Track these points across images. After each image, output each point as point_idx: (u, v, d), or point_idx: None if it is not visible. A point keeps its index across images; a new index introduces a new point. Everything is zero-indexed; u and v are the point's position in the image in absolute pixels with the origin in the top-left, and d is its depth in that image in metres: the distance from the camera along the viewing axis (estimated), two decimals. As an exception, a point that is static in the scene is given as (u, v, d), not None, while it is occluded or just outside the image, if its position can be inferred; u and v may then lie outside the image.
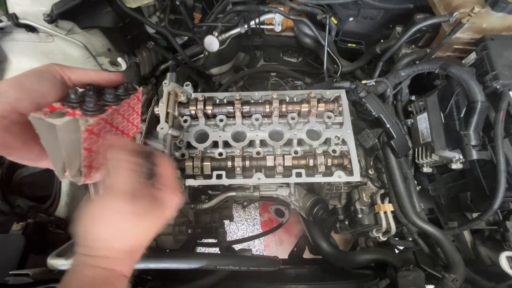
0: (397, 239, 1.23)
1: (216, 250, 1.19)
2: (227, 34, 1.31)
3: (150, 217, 0.48)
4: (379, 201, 1.12)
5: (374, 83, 1.08)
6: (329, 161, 0.91)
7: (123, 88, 0.56)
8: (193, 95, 1.00)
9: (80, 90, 0.51)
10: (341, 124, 0.99)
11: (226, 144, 0.98)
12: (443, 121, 0.99)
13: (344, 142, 0.96)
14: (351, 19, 1.33)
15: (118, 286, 0.46)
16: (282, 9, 1.28)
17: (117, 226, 0.46)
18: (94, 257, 0.45)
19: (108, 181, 0.47)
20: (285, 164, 0.91)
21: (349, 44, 1.45)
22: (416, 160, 1.12)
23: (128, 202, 0.45)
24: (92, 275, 0.44)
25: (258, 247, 2.38)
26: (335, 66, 1.34)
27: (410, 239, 1.17)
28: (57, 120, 0.43)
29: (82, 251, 0.46)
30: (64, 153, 0.46)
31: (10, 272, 0.80)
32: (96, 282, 0.44)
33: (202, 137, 0.98)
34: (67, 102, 0.48)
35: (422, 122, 1.07)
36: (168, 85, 0.96)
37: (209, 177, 0.91)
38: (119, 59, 1.29)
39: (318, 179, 0.93)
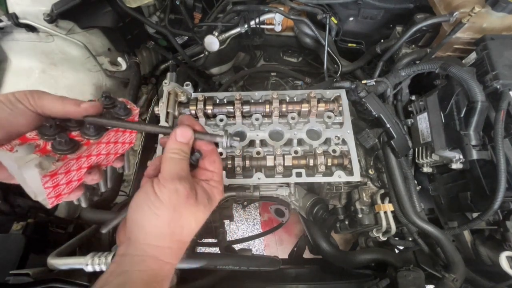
0: (397, 239, 1.23)
1: (216, 250, 1.18)
2: (227, 34, 1.31)
3: (204, 209, 0.49)
4: (379, 201, 1.12)
5: (374, 83, 1.08)
6: (329, 161, 0.91)
7: (109, 116, 0.51)
8: (193, 95, 1.00)
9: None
10: (341, 124, 0.99)
11: (226, 144, 0.98)
12: (443, 121, 0.98)
13: (344, 142, 0.96)
14: (351, 19, 1.33)
15: (167, 276, 0.47)
16: (282, 9, 1.28)
17: (173, 215, 0.46)
18: (151, 246, 0.46)
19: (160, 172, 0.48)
20: (285, 164, 0.91)
21: (349, 44, 1.45)
22: (416, 160, 1.12)
23: (177, 181, 0.47)
24: (147, 268, 0.45)
25: (258, 247, 2.38)
26: (335, 66, 1.33)
27: (410, 239, 1.17)
28: (18, 160, 0.42)
29: (136, 245, 0.46)
30: (30, 185, 0.45)
31: (10, 272, 0.80)
32: (150, 273, 0.45)
33: (202, 137, 0.98)
34: (42, 134, 0.46)
35: (422, 122, 1.07)
36: (168, 85, 0.96)
37: (209, 177, 0.91)
38: (119, 59, 1.29)
39: (318, 179, 0.93)
